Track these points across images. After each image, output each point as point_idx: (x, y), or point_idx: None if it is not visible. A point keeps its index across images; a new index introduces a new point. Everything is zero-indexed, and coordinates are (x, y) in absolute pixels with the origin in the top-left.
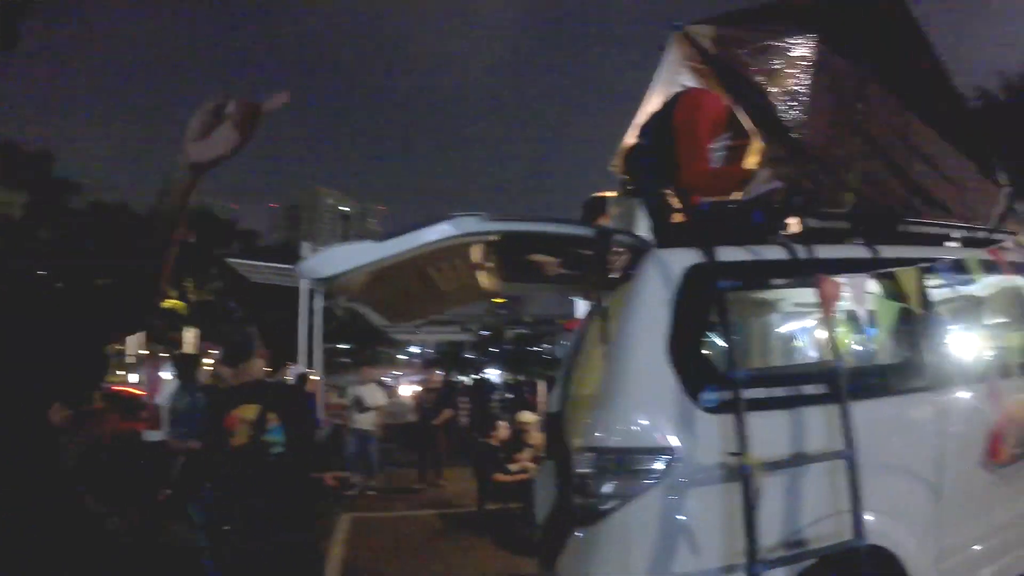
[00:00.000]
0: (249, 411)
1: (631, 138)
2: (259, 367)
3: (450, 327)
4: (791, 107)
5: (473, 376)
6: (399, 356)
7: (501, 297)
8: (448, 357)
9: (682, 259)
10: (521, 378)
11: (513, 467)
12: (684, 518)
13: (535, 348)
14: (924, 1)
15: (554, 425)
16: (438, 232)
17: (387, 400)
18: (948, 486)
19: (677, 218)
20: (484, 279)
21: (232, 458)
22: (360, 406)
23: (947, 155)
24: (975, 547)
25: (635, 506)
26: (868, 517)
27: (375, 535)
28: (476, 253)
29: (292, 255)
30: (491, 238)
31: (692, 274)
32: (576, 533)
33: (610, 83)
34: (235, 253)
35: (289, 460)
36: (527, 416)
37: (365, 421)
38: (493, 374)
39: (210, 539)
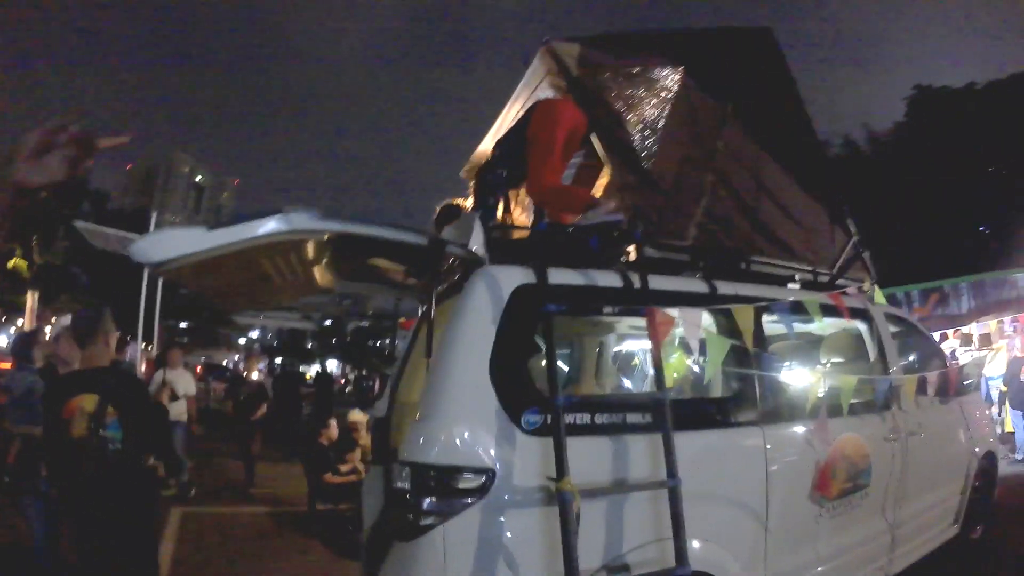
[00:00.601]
0: (88, 401)
1: (486, 147)
2: (109, 352)
3: (292, 314)
4: (646, 136)
5: (317, 368)
6: (239, 340)
7: (340, 293)
8: (289, 346)
9: (512, 277)
10: (364, 372)
11: (343, 468)
12: (503, 539)
13: (375, 343)
14: (809, 45)
15: (382, 430)
16: (267, 226)
17: (196, 389)
18: (776, 516)
19: (518, 235)
20: (320, 275)
21: (70, 450)
22: (170, 393)
23: (799, 198)
24: (811, 571)
25: (453, 524)
26: (695, 543)
27: (205, 531)
28: (311, 248)
29: (143, 222)
30: (325, 236)
31: (520, 293)
32: (396, 545)
33: (483, 87)
34: (84, 215)
35: (127, 457)
36: (357, 415)
37: (174, 410)
38: (333, 365)
39: (47, 533)
